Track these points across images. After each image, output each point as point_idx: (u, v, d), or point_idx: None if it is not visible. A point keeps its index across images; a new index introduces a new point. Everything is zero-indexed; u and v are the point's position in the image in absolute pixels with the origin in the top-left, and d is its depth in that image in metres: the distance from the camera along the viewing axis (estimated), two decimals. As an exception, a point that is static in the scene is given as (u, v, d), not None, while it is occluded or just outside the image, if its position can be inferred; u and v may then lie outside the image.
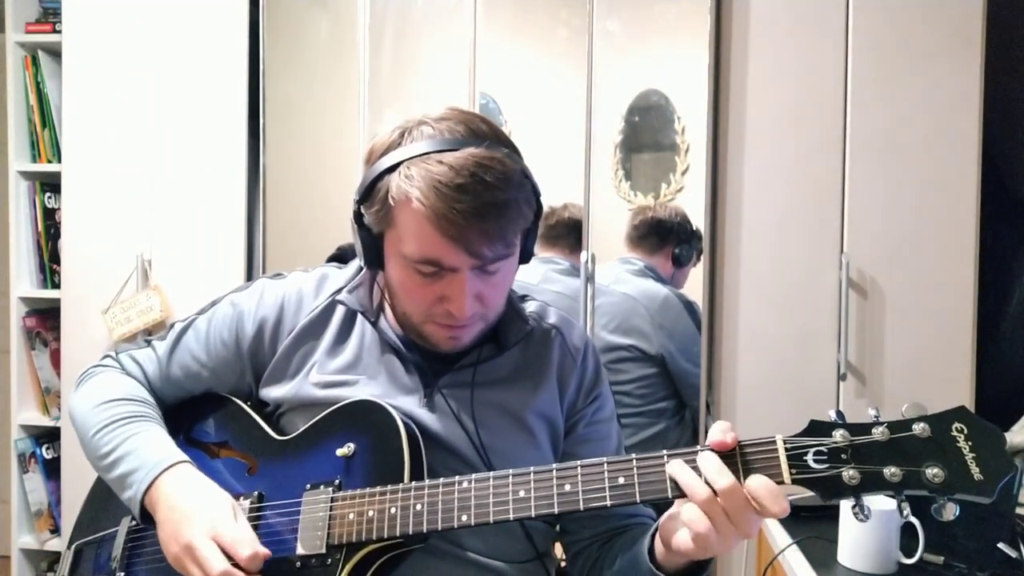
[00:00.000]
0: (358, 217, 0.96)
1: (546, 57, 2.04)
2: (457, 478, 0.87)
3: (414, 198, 0.86)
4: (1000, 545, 1.36)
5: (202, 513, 0.89)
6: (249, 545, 0.87)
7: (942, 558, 1.31)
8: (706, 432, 1.84)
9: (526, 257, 0.99)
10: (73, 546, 1.11)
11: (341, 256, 1.05)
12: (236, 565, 0.86)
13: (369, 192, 0.93)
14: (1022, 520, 1.38)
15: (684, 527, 0.79)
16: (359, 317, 1.04)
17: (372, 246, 0.96)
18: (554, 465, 0.85)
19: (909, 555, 1.28)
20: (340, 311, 1.05)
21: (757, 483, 0.76)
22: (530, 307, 1.09)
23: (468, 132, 0.90)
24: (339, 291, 1.05)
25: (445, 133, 0.90)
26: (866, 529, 1.29)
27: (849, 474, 0.75)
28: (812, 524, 1.48)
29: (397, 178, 0.89)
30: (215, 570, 0.85)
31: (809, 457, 0.77)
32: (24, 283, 2.31)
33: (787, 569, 1.37)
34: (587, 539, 1.05)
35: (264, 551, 0.88)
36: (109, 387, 1.07)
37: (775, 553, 1.43)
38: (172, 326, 1.12)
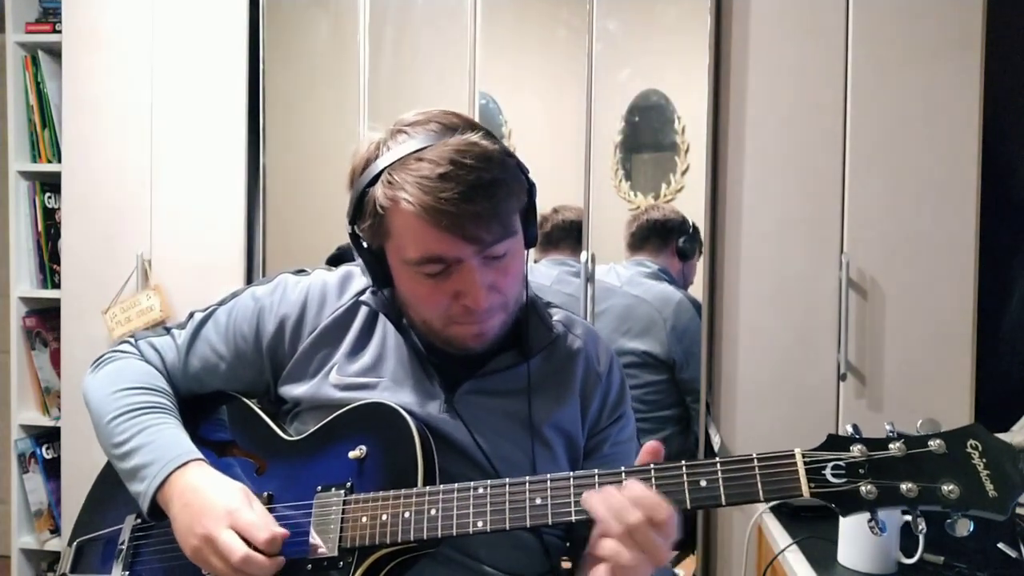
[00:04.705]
0: (355, 239, 0.96)
1: (546, 57, 2.04)
2: (472, 483, 0.87)
3: (401, 199, 0.87)
4: (1000, 545, 1.36)
5: (217, 505, 0.89)
6: (265, 528, 0.87)
7: (942, 558, 1.31)
8: (707, 433, 1.85)
9: (531, 241, 0.98)
10: (75, 543, 1.10)
11: (341, 256, 1.05)
12: (257, 550, 0.87)
13: (359, 209, 0.93)
14: (1022, 520, 1.38)
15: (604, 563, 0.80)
16: (381, 319, 1.03)
17: (376, 264, 0.95)
18: (571, 473, 0.85)
19: (909, 555, 1.28)
20: (363, 312, 1.04)
21: (633, 485, 0.79)
22: (557, 315, 1.08)
23: (441, 128, 0.91)
24: (363, 292, 1.05)
25: (420, 133, 0.90)
26: (866, 529, 1.29)
27: (867, 489, 0.76)
28: (812, 524, 1.48)
29: (381, 187, 0.89)
30: (236, 557, 0.85)
31: (828, 471, 0.77)
32: (24, 283, 2.31)
33: (787, 569, 1.37)
34: None
35: (281, 531, 0.88)
36: (128, 374, 1.06)
37: (775, 553, 1.43)
38: (191, 315, 1.11)
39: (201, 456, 0.97)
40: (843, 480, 0.77)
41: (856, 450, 0.78)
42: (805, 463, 0.78)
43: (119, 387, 1.03)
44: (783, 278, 1.83)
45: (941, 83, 1.75)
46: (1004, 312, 1.93)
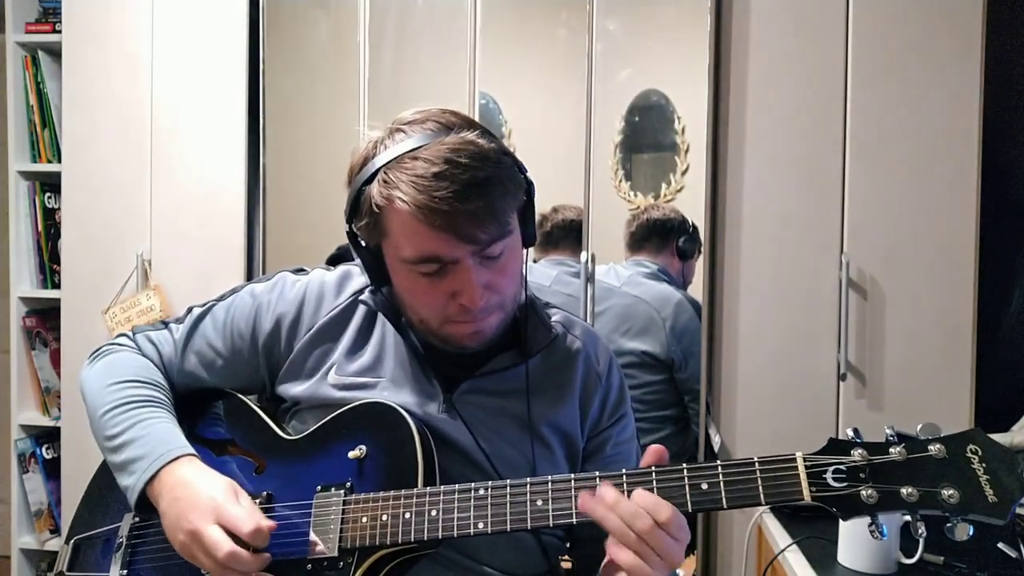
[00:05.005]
0: (352, 237, 0.96)
1: (546, 57, 2.04)
2: (473, 484, 0.87)
3: (396, 199, 0.86)
4: (1000, 545, 1.36)
5: (204, 499, 0.89)
6: (250, 520, 0.87)
7: (942, 558, 1.31)
8: (707, 433, 1.85)
9: (529, 240, 0.97)
10: (71, 541, 1.10)
11: (341, 256, 1.04)
12: (244, 544, 0.86)
13: (355, 207, 0.93)
14: (1022, 520, 1.38)
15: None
16: (380, 318, 1.03)
17: (373, 263, 0.95)
18: (572, 475, 0.85)
19: (909, 555, 1.28)
20: (361, 312, 1.04)
21: (640, 495, 0.80)
22: (555, 316, 1.08)
23: (438, 126, 0.90)
24: (361, 291, 1.04)
25: (417, 132, 0.90)
26: (866, 529, 1.29)
27: (867, 493, 0.77)
28: (812, 524, 1.48)
29: (377, 185, 0.89)
30: (221, 553, 0.85)
31: (828, 475, 0.78)
32: (24, 283, 2.31)
33: (787, 569, 1.37)
34: (592, 556, 1.02)
35: (268, 523, 0.88)
36: (124, 367, 1.06)
37: (775, 553, 1.43)
38: (190, 310, 1.11)
39: (193, 451, 0.97)
40: (844, 484, 0.77)
41: (857, 454, 0.78)
42: (806, 467, 0.78)
43: (114, 380, 1.03)
44: (783, 278, 1.83)
45: (941, 83, 1.75)
46: (1004, 312, 1.93)
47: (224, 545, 0.85)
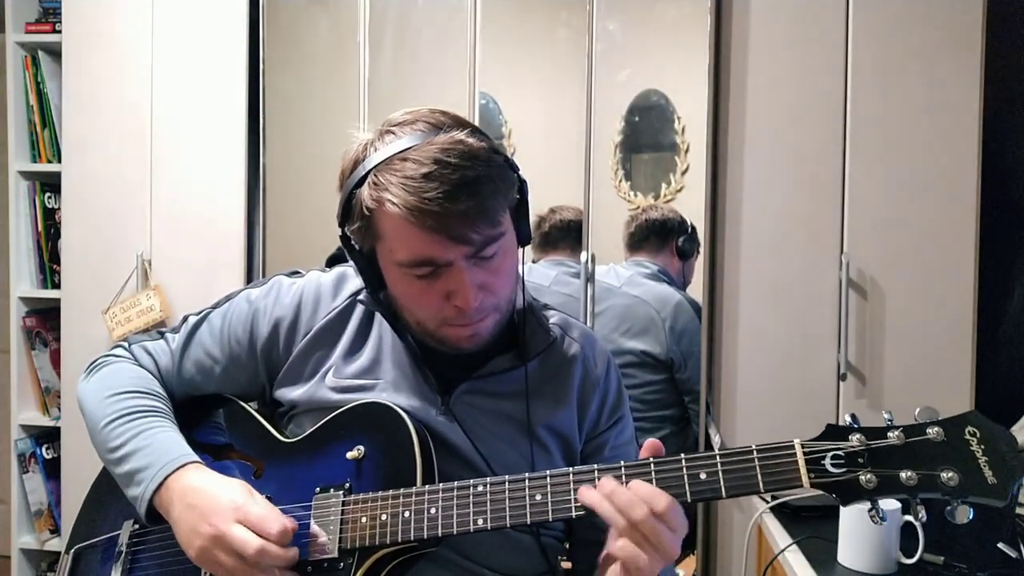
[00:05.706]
0: (346, 241, 0.95)
1: (546, 57, 2.04)
2: (472, 481, 0.87)
3: (387, 201, 0.86)
4: (1000, 545, 1.36)
5: (222, 502, 0.88)
6: (277, 520, 0.87)
7: (942, 558, 1.31)
8: (707, 432, 1.85)
9: (524, 239, 0.97)
10: (72, 551, 1.10)
11: (341, 256, 1.04)
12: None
13: (347, 211, 0.92)
14: (1022, 520, 1.38)
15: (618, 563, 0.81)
16: (378, 320, 1.03)
17: (367, 267, 0.95)
18: (570, 468, 0.85)
19: (909, 555, 1.28)
20: (358, 314, 1.04)
21: (637, 485, 0.80)
22: (553, 318, 1.07)
23: (428, 127, 0.90)
24: (359, 292, 1.04)
25: (407, 133, 0.89)
26: (866, 529, 1.29)
27: (866, 478, 0.77)
28: (812, 524, 1.48)
29: (368, 188, 0.88)
30: (251, 550, 0.84)
31: (827, 461, 0.78)
32: (24, 283, 2.31)
33: (787, 569, 1.37)
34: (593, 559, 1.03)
35: (292, 524, 0.88)
36: (121, 378, 1.05)
37: (775, 553, 1.43)
38: (185, 319, 1.10)
39: (198, 459, 0.96)
40: (843, 470, 0.77)
41: (855, 439, 0.78)
42: (804, 453, 0.78)
43: (113, 392, 1.03)
44: (783, 278, 1.83)
45: (941, 83, 1.75)
46: (1004, 312, 1.93)
47: (253, 542, 0.85)
